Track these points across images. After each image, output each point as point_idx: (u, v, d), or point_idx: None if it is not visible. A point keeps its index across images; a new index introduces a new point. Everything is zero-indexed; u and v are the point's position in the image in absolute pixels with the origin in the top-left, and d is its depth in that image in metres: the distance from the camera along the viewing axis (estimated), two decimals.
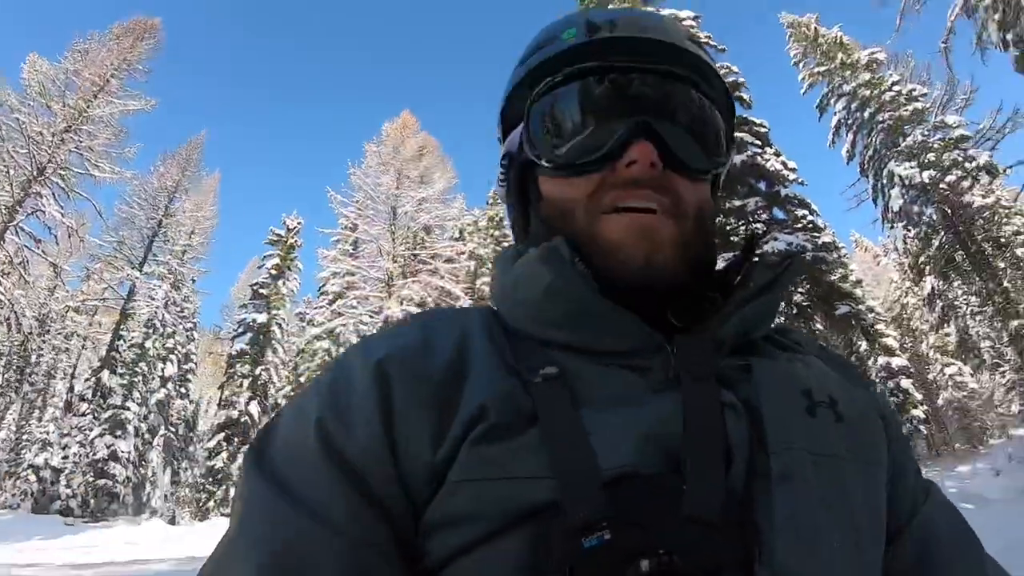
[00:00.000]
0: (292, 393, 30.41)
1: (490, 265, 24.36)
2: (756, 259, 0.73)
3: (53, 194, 23.82)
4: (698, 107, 0.71)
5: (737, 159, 16.00)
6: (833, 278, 16.97)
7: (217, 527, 21.06)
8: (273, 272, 32.14)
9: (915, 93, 22.48)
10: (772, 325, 0.73)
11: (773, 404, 0.59)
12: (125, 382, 28.64)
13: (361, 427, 0.56)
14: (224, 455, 27.93)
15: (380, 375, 0.59)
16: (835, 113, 24.32)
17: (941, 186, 20.61)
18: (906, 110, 22.28)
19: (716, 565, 0.49)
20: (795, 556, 0.52)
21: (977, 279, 21.48)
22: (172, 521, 28.23)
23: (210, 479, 28.13)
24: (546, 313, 0.65)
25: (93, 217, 28.50)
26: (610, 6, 18.13)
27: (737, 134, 16.23)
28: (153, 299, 30.91)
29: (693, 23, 17.60)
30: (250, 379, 29.63)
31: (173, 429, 32.23)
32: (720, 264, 0.79)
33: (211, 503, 27.35)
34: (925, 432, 30.85)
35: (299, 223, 33.54)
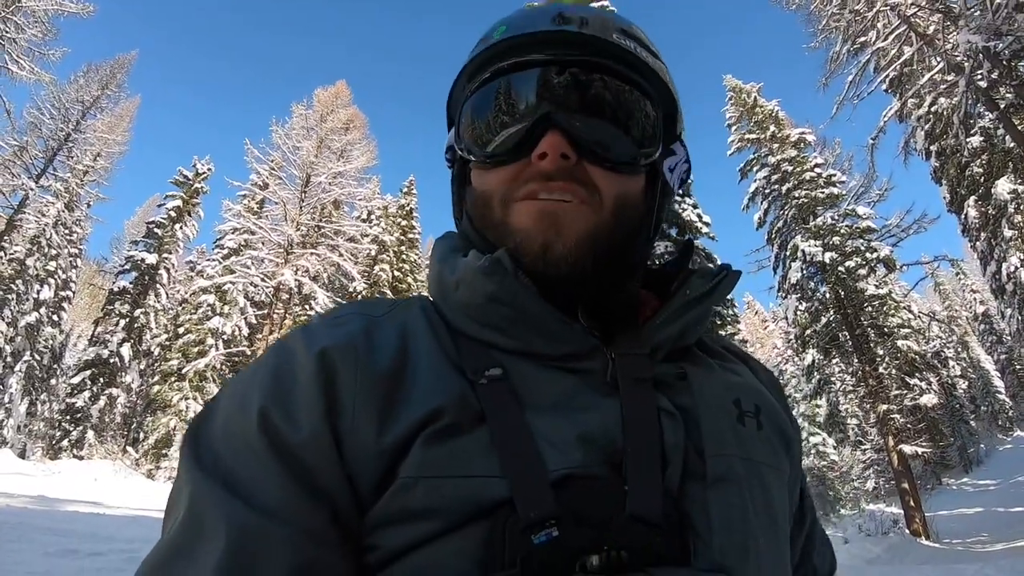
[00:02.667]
0: (167, 342, 31.34)
1: (393, 253, 26.96)
2: (694, 268, 0.84)
3: None
4: (620, 100, 0.77)
5: None
6: (723, 333, 18.76)
7: (69, 468, 21.58)
8: (172, 214, 33.01)
9: (834, 178, 25.12)
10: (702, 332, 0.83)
11: (708, 412, 0.70)
12: None
13: (305, 419, 0.62)
14: (87, 394, 28.44)
15: (324, 365, 0.65)
16: (755, 180, 26.84)
17: (840, 269, 23.10)
18: (822, 192, 24.92)
19: (657, 561, 0.58)
20: (729, 553, 0.62)
21: (856, 360, 23.92)
22: (22, 455, 28.08)
23: (68, 417, 28.40)
24: (489, 318, 0.72)
25: (0, 115, 27.36)
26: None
27: None
28: (44, 215, 30.88)
29: None
30: (127, 320, 30.50)
31: (38, 357, 32.54)
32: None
33: (65, 442, 27.52)
34: None
35: (210, 169, 34.53)
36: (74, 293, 35.26)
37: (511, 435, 0.62)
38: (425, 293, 0.90)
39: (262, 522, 0.57)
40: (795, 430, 0.86)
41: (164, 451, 27.19)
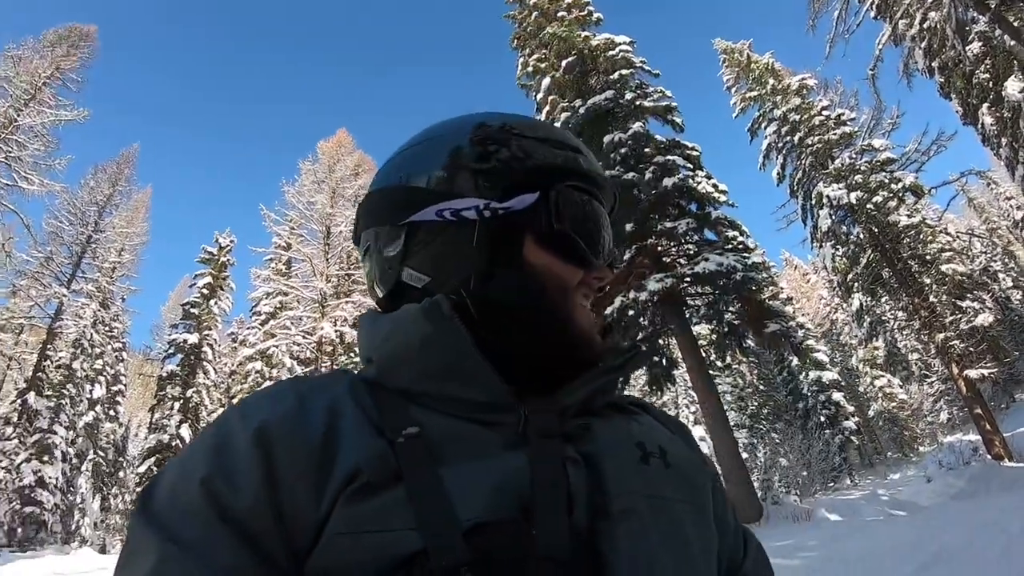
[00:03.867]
0: None
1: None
2: (609, 345, 0.90)
3: None
4: None
5: (668, 182, 17.68)
6: (763, 297, 18.54)
7: None
8: (205, 291, 33.56)
9: (843, 118, 24.97)
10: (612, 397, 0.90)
11: (610, 455, 0.75)
12: (52, 404, 28.73)
13: (246, 489, 0.65)
14: None
15: (262, 440, 0.68)
16: (766, 137, 26.76)
17: (868, 206, 22.81)
18: (834, 134, 24.78)
19: None
20: None
21: (904, 295, 23.70)
22: (103, 550, 28.50)
23: None
24: (417, 363, 0.76)
25: (20, 231, 28.21)
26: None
27: (669, 157, 18.11)
28: (81, 318, 31.38)
29: (629, 48, 19.74)
30: (181, 401, 30.96)
31: (102, 453, 32.90)
32: None
33: None
34: (857, 442, 33.57)
35: (232, 241, 35.10)
36: (126, 386, 35.90)
37: (425, 490, 0.66)
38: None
39: (205, 570, 0.61)
40: (708, 467, 0.93)
41: None
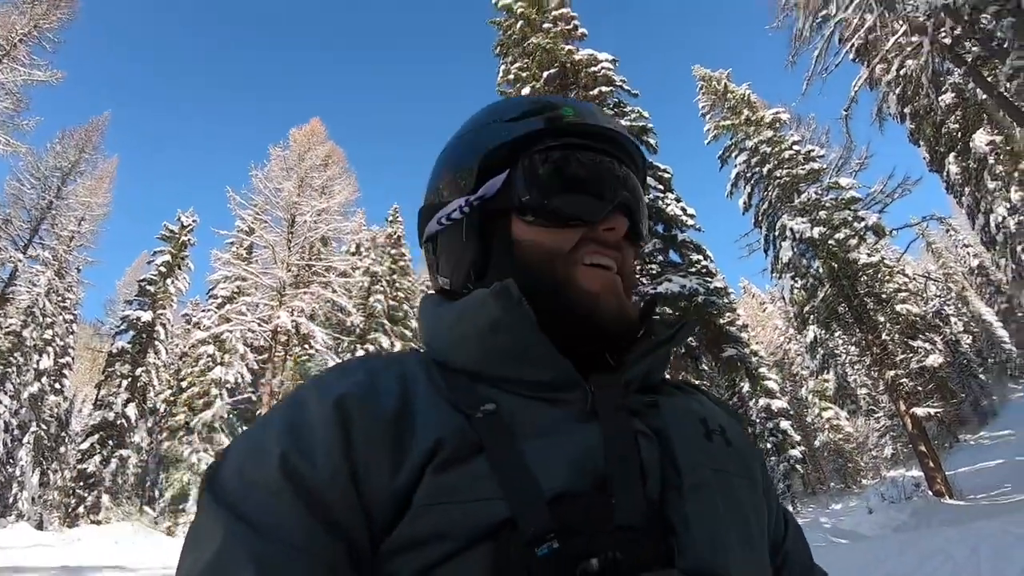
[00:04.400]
0: (171, 397, 31.43)
1: (386, 283, 27.03)
2: (656, 317, 0.94)
3: None
4: (640, 190, 0.94)
5: None
6: (722, 322, 18.84)
7: (88, 535, 21.36)
8: (162, 269, 33.07)
9: (813, 154, 25.49)
10: (666, 372, 0.94)
11: (678, 431, 0.78)
12: None
13: (324, 461, 0.66)
14: (97, 458, 28.32)
15: (339, 413, 0.70)
16: (735, 166, 27.23)
17: (830, 242, 23.33)
18: (803, 169, 25.30)
19: (647, 562, 0.65)
20: (707, 552, 0.69)
21: (857, 331, 24.15)
22: (39, 526, 27.43)
23: (81, 483, 28.19)
24: (486, 346, 0.79)
25: None
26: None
27: None
28: (35, 285, 30.72)
29: (611, 66, 19.74)
30: (129, 379, 30.44)
31: (44, 427, 32.14)
32: None
33: (81, 508, 27.42)
34: (802, 471, 34.15)
35: (195, 221, 34.69)
36: (73, 359, 35.08)
37: (507, 462, 0.68)
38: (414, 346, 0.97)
39: (287, 558, 0.61)
40: (759, 452, 0.96)
41: (181, 506, 27.24)
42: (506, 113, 0.96)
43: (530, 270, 0.86)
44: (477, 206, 0.92)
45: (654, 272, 18.30)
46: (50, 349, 31.69)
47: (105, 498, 28.01)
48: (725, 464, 0.81)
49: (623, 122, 19.13)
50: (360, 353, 29.75)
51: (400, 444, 0.69)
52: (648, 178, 18.42)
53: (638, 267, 16.92)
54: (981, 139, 19.93)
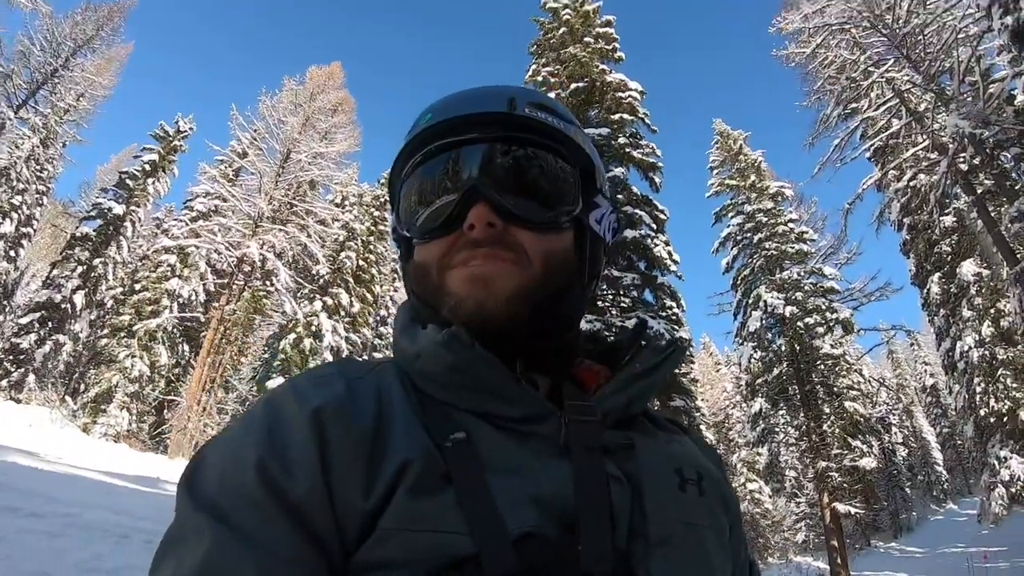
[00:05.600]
0: (122, 296, 31.12)
1: (361, 242, 26.86)
2: (644, 343, 0.90)
3: None
4: (533, 164, 0.84)
5: (629, 233, 17.69)
6: (677, 371, 18.39)
7: (4, 410, 21.17)
8: (147, 167, 32.68)
9: (806, 235, 25.94)
10: (649, 403, 0.89)
11: (652, 479, 0.75)
12: None
13: (302, 474, 0.65)
14: (33, 336, 28.06)
15: (317, 425, 0.68)
16: (729, 226, 27.51)
17: (798, 324, 23.78)
18: (792, 247, 25.66)
19: None
20: None
21: (802, 415, 24.63)
22: None
23: (10, 357, 27.90)
24: (449, 385, 0.76)
25: None
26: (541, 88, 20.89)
27: (637, 211, 18.04)
28: (18, 148, 30.40)
29: (638, 96, 19.62)
30: (85, 267, 30.09)
31: None
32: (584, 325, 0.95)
33: (4, 382, 27.08)
34: None
35: (191, 128, 34.34)
36: (35, 231, 34.43)
37: (475, 495, 0.66)
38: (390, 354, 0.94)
39: (284, 569, 0.60)
40: (734, 499, 0.91)
41: (103, 407, 26.77)
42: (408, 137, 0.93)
43: (422, 290, 0.87)
44: (395, 238, 0.95)
45: (625, 305, 18.30)
46: (15, 215, 31.18)
47: (31, 378, 27.62)
48: (696, 516, 0.78)
49: (635, 154, 19.25)
50: (331, 350, 29.93)
51: (373, 465, 0.67)
52: (644, 213, 18.09)
53: (611, 295, 16.50)
54: (969, 268, 20.24)
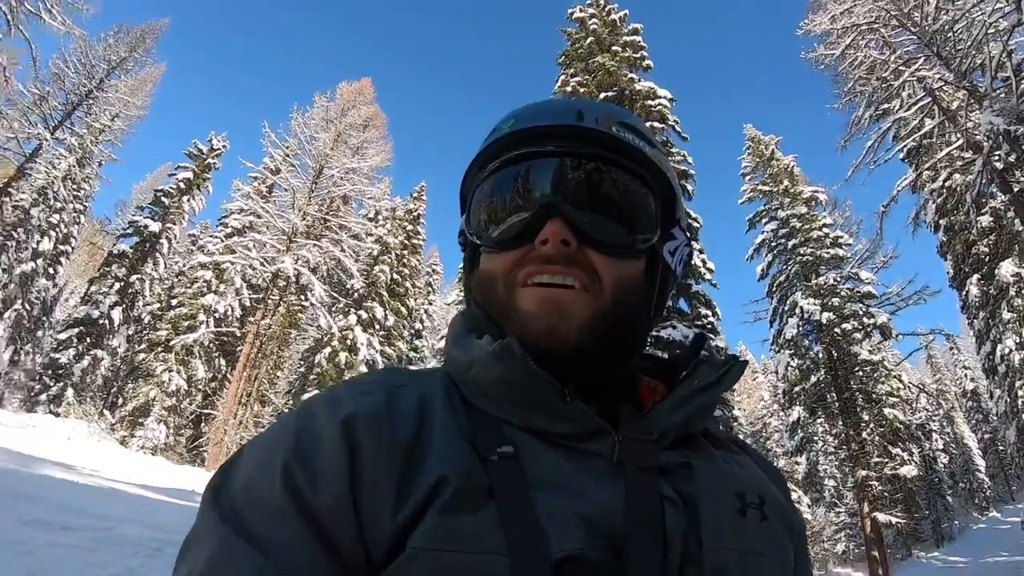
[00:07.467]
0: (158, 311, 31.52)
1: (395, 256, 26.98)
2: (703, 357, 0.86)
3: None
4: (618, 189, 0.82)
5: None
6: None
7: (44, 423, 21.49)
8: (181, 185, 33.49)
9: (841, 240, 25.63)
10: (709, 420, 0.85)
11: (710, 503, 0.71)
12: None
13: (327, 482, 0.64)
14: (72, 352, 28.74)
15: (348, 433, 0.66)
16: (763, 232, 27.40)
17: (836, 330, 23.51)
18: (828, 252, 25.38)
19: None
20: None
21: (841, 423, 24.29)
22: None
23: (50, 371, 28.64)
24: (500, 397, 0.74)
25: (26, 61, 25.90)
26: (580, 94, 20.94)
27: None
28: (54, 168, 30.93)
29: (667, 104, 19.66)
30: (122, 284, 30.82)
31: (28, 308, 31.82)
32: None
33: (44, 396, 27.74)
34: None
35: (224, 146, 35.17)
36: (73, 249, 34.92)
37: (518, 513, 0.63)
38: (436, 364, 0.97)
39: (277, 570, 0.60)
40: (800, 523, 0.86)
41: (140, 420, 27.27)
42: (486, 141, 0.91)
43: (485, 299, 0.85)
44: (461, 241, 0.93)
45: (701, 333, 18.28)
46: (53, 233, 31.73)
47: (69, 392, 28.20)
48: (756, 544, 0.73)
49: None
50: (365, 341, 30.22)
51: (407, 478, 0.65)
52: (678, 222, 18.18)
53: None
54: (1008, 268, 19.97)
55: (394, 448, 0.67)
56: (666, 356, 0.95)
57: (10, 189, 29.61)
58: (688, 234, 0.94)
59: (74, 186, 33.13)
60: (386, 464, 0.65)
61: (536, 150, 0.83)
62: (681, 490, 0.71)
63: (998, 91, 14.61)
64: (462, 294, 1.02)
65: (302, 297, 29.60)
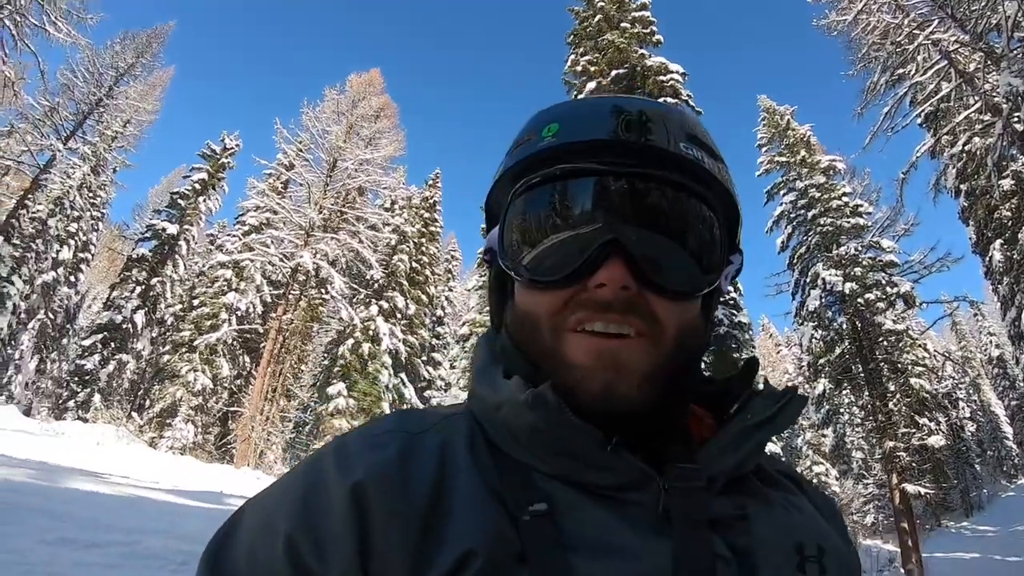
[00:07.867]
0: (181, 312, 31.84)
1: (413, 244, 26.96)
2: (756, 389, 0.76)
3: (1, 38, 23.23)
4: (687, 220, 0.71)
5: None
6: (737, 356, 18.24)
7: (72, 430, 21.46)
8: (197, 186, 33.72)
9: (861, 209, 25.09)
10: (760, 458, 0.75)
11: (767, 560, 0.64)
12: (17, 255, 28.77)
13: (335, 555, 0.59)
14: (97, 357, 29.19)
15: (358, 501, 0.60)
16: (781, 204, 26.95)
17: (859, 300, 23.13)
18: (848, 221, 24.91)
19: None
20: None
21: (866, 394, 23.87)
22: (27, 412, 27.44)
23: (76, 378, 29.15)
24: (532, 444, 0.66)
25: (33, 74, 26.59)
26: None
27: None
28: (69, 177, 31.06)
29: (680, 79, 19.49)
30: (143, 287, 31.14)
31: (52, 316, 32.42)
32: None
33: (71, 403, 28.22)
34: None
35: (237, 145, 35.32)
36: (93, 256, 35.25)
37: None
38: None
39: None
40: (856, 563, 0.78)
41: (168, 421, 27.67)
42: (519, 137, 0.80)
43: (523, 341, 0.74)
44: (487, 258, 0.82)
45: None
46: (72, 242, 32.06)
47: (96, 398, 28.71)
48: None
49: None
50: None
51: (425, 551, 0.59)
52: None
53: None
54: None
55: (408, 514, 0.61)
56: (713, 379, 0.85)
57: (27, 201, 29.89)
58: (743, 255, 0.83)
59: (90, 194, 33.38)
60: (399, 533, 0.60)
61: (587, 166, 0.70)
62: (735, 543, 0.64)
63: (1015, 51, 14.43)
64: (482, 279, 0.88)
65: (322, 290, 29.93)
